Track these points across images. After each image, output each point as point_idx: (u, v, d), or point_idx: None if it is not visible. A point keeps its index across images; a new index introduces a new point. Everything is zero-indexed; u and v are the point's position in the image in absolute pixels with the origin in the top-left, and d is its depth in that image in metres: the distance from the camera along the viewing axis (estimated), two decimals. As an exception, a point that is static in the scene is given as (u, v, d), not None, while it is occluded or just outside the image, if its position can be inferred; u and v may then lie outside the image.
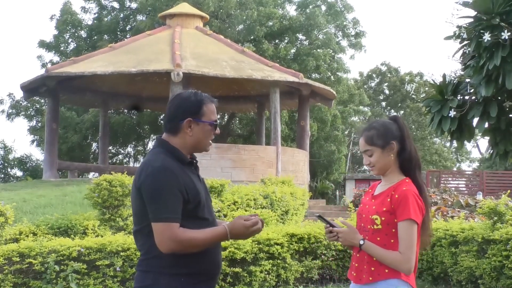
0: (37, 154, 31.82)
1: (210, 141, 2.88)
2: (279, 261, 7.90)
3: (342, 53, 25.86)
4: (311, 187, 21.79)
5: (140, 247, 2.78)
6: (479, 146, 36.70)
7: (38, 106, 26.06)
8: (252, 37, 23.58)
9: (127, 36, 24.57)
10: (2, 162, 26.09)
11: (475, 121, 4.41)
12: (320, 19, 23.76)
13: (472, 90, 4.35)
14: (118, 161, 27.70)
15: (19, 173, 26.27)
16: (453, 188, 19.43)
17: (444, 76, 4.54)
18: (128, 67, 14.90)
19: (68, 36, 26.42)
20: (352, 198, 15.67)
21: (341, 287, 8.12)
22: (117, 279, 7.04)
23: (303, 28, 24.34)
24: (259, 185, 11.89)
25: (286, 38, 24.99)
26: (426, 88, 31.32)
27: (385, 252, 2.91)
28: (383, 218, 2.94)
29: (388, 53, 66.11)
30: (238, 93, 19.68)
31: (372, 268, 2.94)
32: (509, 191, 9.98)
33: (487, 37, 3.86)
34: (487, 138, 4.57)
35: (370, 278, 2.94)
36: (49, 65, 22.99)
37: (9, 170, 26.35)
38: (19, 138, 52.06)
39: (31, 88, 16.58)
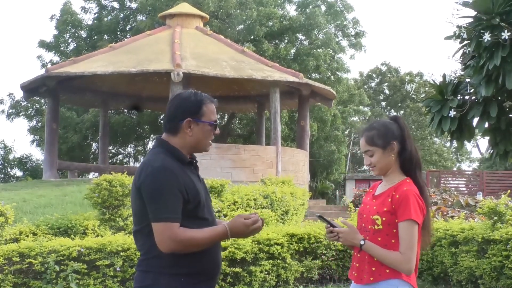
0: (37, 154, 31.84)
1: (210, 141, 2.88)
2: (279, 261, 7.90)
3: (342, 53, 25.87)
4: (311, 187, 21.79)
5: (140, 247, 2.78)
6: (479, 146, 36.74)
7: (38, 106, 26.07)
8: (252, 37, 23.58)
9: (127, 36, 24.57)
10: (2, 162, 26.09)
11: (475, 121, 4.40)
12: (320, 19, 23.76)
13: (472, 90, 4.35)
14: (118, 161, 27.70)
15: (19, 173, 26.29)
16: (453, 188, 19.43)
17: (444, 76, 4.54)
18: (128, 67, 14.90)
19: (68, 36, 26.43)
20: (352, 198, 15.67)
21: (341, 287, 8.12)
22: (117, 279, 7.04)
23: (303, 28, 24.34)
24: (259, 185, 11.89)
25: (286, 38, 25.00)
26: (426, 88, 31.33)
27: (386, 252, 2.91)
28: (384, 218, 2.93)
29: (388, 53, 66.17)
30: (238, 93, 19.68)
31: (373, 268, 2.94)
32: (509, 191, 9.98)
33: (487, 37, 3.85)
34: (487, 138, 4.57)
35: (371, 278, 2.94)
36: (49, 65, 22.99)
37: (9, 170, 26.36)
38: (19, 138, 52.07)
39: (31, 88, 16.59)
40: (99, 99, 19.54)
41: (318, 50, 24.08)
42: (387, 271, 2.91)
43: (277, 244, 7.93)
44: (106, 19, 26.22)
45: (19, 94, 27.54)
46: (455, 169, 34.95)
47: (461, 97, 4.44)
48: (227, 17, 23.93)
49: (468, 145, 37.29)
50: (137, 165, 25.94)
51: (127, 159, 28.58)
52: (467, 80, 4.40)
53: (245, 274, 7.57)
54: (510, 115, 4.37)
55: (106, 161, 20.22)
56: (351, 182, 20.65)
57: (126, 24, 26.56)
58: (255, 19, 22.76)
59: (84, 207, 10.31)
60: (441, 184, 19.95)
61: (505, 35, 3.80)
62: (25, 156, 26.39)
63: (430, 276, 8.47)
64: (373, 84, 37.46)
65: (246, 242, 7.66)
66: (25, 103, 25.66)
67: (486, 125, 4.37)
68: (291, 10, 26.56)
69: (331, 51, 24.61)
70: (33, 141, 26.56)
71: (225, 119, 25.35)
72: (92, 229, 8.19)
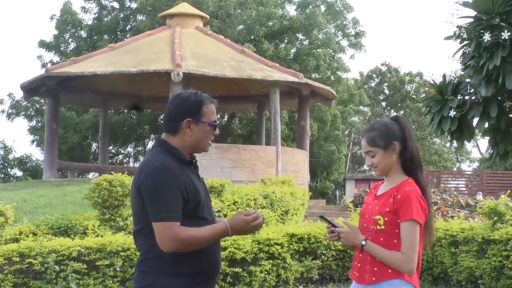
0: (37, 154, 31.83)
1: (210, 142, 2.88)
2: (279, 261, 7.90)
3: (342, 53, 25.87)
4: (311, 187, 21.79)
5: (140, 247, 2.78)
6: (479, 146, 36.74)
7: (38, 106, 26.07)
8: (252, 37, 23.57)
9: (127, 36, 24.57)
10: (2, 162, 26.09)
11: (475, 121, 4.40)
12: (320, 19, 23.75)
13: (472, 90, 4.35)
14: (118, 161, 27.70)
15: (19, 173, 26.29)
16: (453, 188, 19.43)
17: (444, 76, 4.54)
18: (128, 67, 14.90)
19: (68, 36, 26.43)
20: (352, 198, 15.66)
21: (341, 287, 8.12)
22: (117, 279, 7.04)
23: (303, 28, 24.33)
24: (259, 185, 11.89)
25: (286, 38, 24.99)
26: (426, 88, 31.33)
27: (387, 252, 2.91)
28: (386, 219, 2.93)
29: (388, 53, 66.17)
30: (238, 93, 19.68)
31: (375, 269, 2.94)
32: (509, 191, 9.98)
33: (487, 37, 3.85)
34: (487, 138, 4.57)
35: (373, 279, 2.94)
36: (49, 65, 22.99)
37: (9, 170, 26.35)
38: (19, 138, 52.09)
39: (31, 88, 16.58)
40: (99, 99, 19.54)
41: (318, 50, 24.07)
42: (389, 271, 2.91)
43: (277, 244, 7.93)
44: (106, 19, 26.22)
45: (19, 94, 27.58)
46: (455, 169, 34.95)
47: (461, 97, 4.44)
48: (227, 17, 23.93)
49: (468, 145, 37.31)
50: (137, 165, 25.92)
51: (127, 159, 28.58)
52: (467, 80, 4.39)
53: (245, 274, 7.57)
54: (510, 115, 4.37)
55: (106, 161, 20.22)
56: (351, 182, 20.63)
57: (126, 24, 26.56)
58: (255, 19, 22.76)
59: (84, 207, 10.31)
60: (441, 184, 19.95)
61: (505, 35, 3.80)
62: (25, 156, 26.40)
63: (430, 276, 8.48)
64: (373, 84, 37.47)
65: (246, 242, 7.66)
66: (25, 103, 25.67)
67: (486, 125, 4.37)
68: (291, 10, 26.60)
69: (331, 51, 24.61)
70: (33, 141, 26.57)
71: (225, 119, 25.35)
72: (92, 229, 8.19)
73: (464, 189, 22.38)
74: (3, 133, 56.32)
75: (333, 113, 23.85)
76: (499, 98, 4.28)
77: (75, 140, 23.98)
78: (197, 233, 2.67)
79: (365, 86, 35.83)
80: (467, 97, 4.42)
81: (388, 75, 36.72)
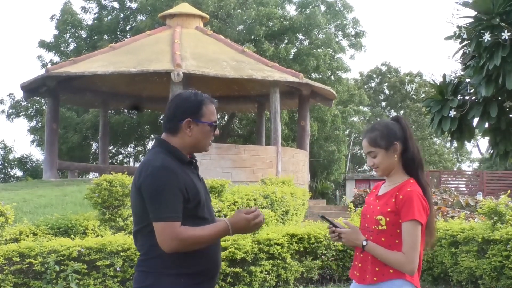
0: (37, 154, 31.84)
1: (210, 142, 2.87)
2: (279, 261, 7.90)
3: (342, 53, 25.87)
4: (311, 187, 21.79)
5: (140, 248, 2.78)
6: (479, 146, 36.74)
7: (38, 106, 26.07)
8: (252, 37, 23.57)
9: (127, 36, 24.58)
10: (2, 162, 26.09)
11: (475, 121, 4.40)
12: (320, 19, 23.76)
13: (472, 90, 4.34)
14: (118, 161, 27.70)
15: (19, 173, 26.28)
16: (453, 188, 19.44)
17: (444, 76, 4.54)
18: (128, 67, 14.90)
19: (68, 36, 26.43)
20: (352, 198, 15.67)
21: (342, 287, 8.12)
22: (117, 279, 7.04)
23: (303, 28, 24.34)
24: (259, 185, 11.89)
25: (286, 38, 24.99)
26: (426, 88, 31.33)
27: (389, 252, 2.91)
28: (388, 219, 2.93)
29: (388, 53, 66.18)
30: (238, 93, 19.68)
31: (377, 269, 2.94)
32: (509, 191, 9.98)
33: (487, 37, 3.85)
34: (487, 138, 4.57)
35: (375, 279, 2.94)
36: (49, 65, 22.99)
37: (9, 170, 26.35)
38: (19, 138, 52.07)
39: (31, 88, 16.58)
40: (99, 99, 19.54)
41: (318, 50, 24.07)
42: (391, 271, 2.91)
43: (277, 244, 7.93)
44: (106, 19, 26.22)
45: (19, 94, 27.58)
46: (455, 169, 34.96)
47: (461, 97, 4.44)
48: (227, 17, 23.94)
49: (468, 145, 37.32)
50: (137, 165, 25.93)
51: (127, 159, 28.59)
52: (467, 80, 4.39)
53: (245, 274, 7.57)
54: (510, 115, 4.37)
55: (106, 161, 20.22)
56: (351, 182, 20.64)
57: (126, 24, 26.57)
58: (255, 19, 22.76)
59: (84, 207, 10.31)
60: (441, 184, 19.95)
61: (505, 35, 3.80)
62: (25, 156, 26.40)
63: (430, 276, 8.48)
64: (373, 84, 37.48)
65: (246, 243, 7.67)
66: (25, 103, 25.67)
67: (486, 125, 4.37)
68: (291, 10, 26.60)
69: (331, 51, 24.62)
70: (33, 141, 26.57)
71: (225, 119, 25.35)
72: (92, 229, 8.19)
73: (464, 189, 22.40)
74: (3, 133, 56.36)
75: (333, 113, 23.85)
76: (499, 98, 4.28)
77: (75, 140, 23.98)
78: (198, 232, 2.66)
79: (365, 86, 35.85)
80: (467, 97, 4.42)
81: (388, 75, 36.73)
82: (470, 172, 28.49)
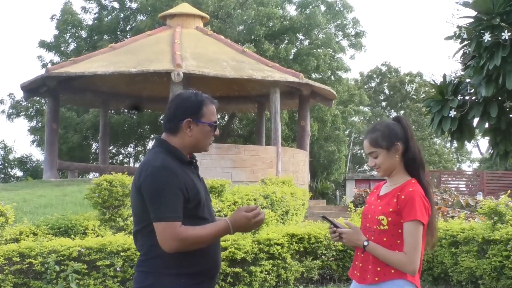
0: (37, 154, 31.86)
1: (210, 142, 2.87)
2: (279, 261, 7.90)
3: (342, 53, 25.88)
4: (311, 187, 21.79)
5: (140, 248, 2.78)
6: (480, 147, 36.74)
7: (38, 106, 26.07)
8: (252, 37, 23.58)
9: (128, 36, 24.58)
10: (3, 162, 26.09)
11: (476, 121, 4.40)
12: (320, 19, 23.76)
13: (472, 90, 4.34)
14: (118, 161, 27.71)
15: (19, 173, 26.29)
16: (453, 189, 19.43)
17: (444, 76, 4.54)
18: (129, 67, 14.90)
19: (68, 36, 26.44)
20: (352, 198, 15.67)
21: (342, 287, 8.12)
22: (117, 279, 7.04)
23: (303, 28, 24.34)
24: (260, 185, 11.89)
25: (286, 38, 25.00)
26: (426, 88, 31.32)
27: (390, 253, 2.91)
28: (389, 219, 2.94)
29: (388, 53, 66.19)
30: (238, 93, 19.68)
31: (378, 269, 2.94)
32: (509, 191, 9.98)
33: (487, 37, 3.85)
34: (487, 138, 4.57)
35: (376, 278, 2.94)
36: (49, 65, 23.00)
37: (9, 170, 26.36)
38: (20, 138, 52.08)
39: (31, 88, 16.58)
40: (99, 99, 19.54)
41: (318, 50, 24.08)
42: (392, 271, 2.91)
43: (277, 244, 7.93)
44: (106, 19, 26.23)
45: (19, 94, 27.59)
46: (455, 169, 34.96)
47: (462, 97, 4.44)
48: (227, 17, 23.94)
49: (469, 146, 37.32)
50: (137, 165, 25.93)
51: (128, 159, 28.59)
52: (468, 80, 4.39)
53: (245, 274, 7.57)
54: (511, 115, 4.37)
55: (106, 161, 20.22)
56: (351, 182, 20.64)
57: (126, 24, 26.57)
58: (255, 19, 22.76)
59: (84, 207, 10.31)
60: (441, 185, 19.95)
61: (505, 35, 3.80)
62: (25, 156, 26.40)
63: (431, 276, 8.48)
64: (373, 84, 37.48)
65: (246, 243, 7.67)
66: (25, 103, 25.67)
67: (487, 125, 4.37)
68: (291, 10, 26.61)
69: (331, 51, 24.62)
70: (33, 141, 26.58)
71: (225, 119, 25.35)
72: (92, 229, 8.18)
73: (464, 189, 22.41)
74: (4, 133, 56.42)
75: (333, 113, 23.86)
76: (499, 98, 4.28)
77: (75, 140, 23.98)
78: (198, 231, 2.66)
79: (365, 86, 35.85)
80: (467, 97, 4.42)
81: (388, 75, 36.74)
82: (470, 172, 28.50)
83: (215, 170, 14.38)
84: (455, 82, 4.47)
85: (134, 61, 15.17)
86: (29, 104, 25.75)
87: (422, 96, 32.68)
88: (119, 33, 25.95)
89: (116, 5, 26.92)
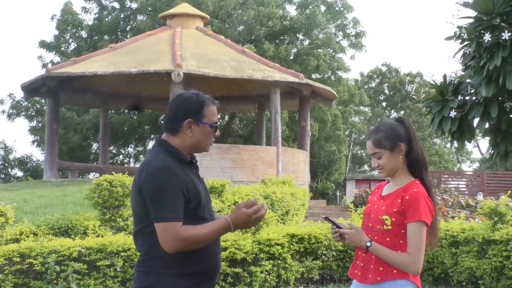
0: (38, 155, 31.88)
1: (211, 142, 2.87)
2: (279, 261, 7.90)
3: (343, 53, 25.88)
4: (312, 188, 21.78)
5: (140, 248, 2.78)
6: (480, 147, 36.73)
7: (38, 106, 26.08)
8: (252, 38, 23.58)
9: (128, 36, 24.58)
10: (3, 162, 26.10)
11: (476, 121, 4.41)
12: (320, 19, 23.76)
13: (472, 91, 4.35)
14: (118, 162, 27.71)
15: (19, 173, 26.30)
16: (453, 189, 19.43)
17: (444, 76, 4.54)
18: (129, 67, 14.90)
19: (68, 36, 26.44)
20: (352, 199, 15.67)
21: (342, 287, 8.13)
22: (117, 280, 7.04)
23: (304, 28, 24.34)
24: (260, 186, 11.89)
25: (287, 38, 25.00)
26: (427, 89, 31.32)
27: (393, 253, 2.91)
28: (393, 219, 2.94)
29: (388, 54, 66.18)
30: (238, 93, 19.69)
31: (381, 268, 2.94)
32: (509, 191, 9.98)
33: (487, 37, 3.85)
34: (487, 138, 4.58)
35: (378, 278, 2.94)
36: (49, 65, 22.99)
37: (9, 170, 26.36)
38: (20, 138, 52.14)
39: (31, 89, 16.59)
40: (100, 99, 19.54)
41: (318, 50, 24.08)
42: (395, 271, 2.92)
43: (278, 244, 7.93)
44: (106, 19, 26.24)
45: (19, 95, 27.60)
46: (455, 169, 34.96)
47: (462, 98, 4.44)
48: (227, 17, 23.94)
49: (469, 146, 37.31)
50: (137, 165, 25.87)
51: (128, 159, 28.59)
52: (468, 80, 4.40)
53: (246, 275, 7.57)
54: (511, 116, 4.37)
55: (107, 161, 20.22)
56: (352, 182, 20.62)
57: (127, 25, 26.57)
58: (255, 19, 22.76)
59: (84, 208, 10.31)
60: (442, 185, 19.95)
61: (506, 35, 3.80)
62: (25, 156, 26.41)
63: (431, 276, 8.48)
64: (373, 85, 37.48)
65: (247, 243, 7.67)
66: (25, 103, 25.68)
67: (487, 125, 4.37)
68: (291, 10, 26.61)
69: (331, 51, 24.62)
70: (33, 142, 26.59)
71: (226, 119, 25.35)
72: (92, 230, 8.19)
73: (464, 189, 22.41)
74: (4, 133, 56.41)
75: (333, 113, 23.86)
76: (500, 98, 4.29)
77: (76, 140, 23.99)
78: (199, 231, 2.66)
79: (365, 86, 35.85)
80: (467, 98, 4.42)
81: (388, 76, 36.74)
82: (470, 173, 28.50)
83: (215, 170, 14.38)
84: (455, 82, 4.47)
85: (135, 61, 15.18)
86: (29, 104, 25.76)
87: (422, 97, 32.67)
88: (119, 33, 25.96)
89: (116, 5, 26.94)
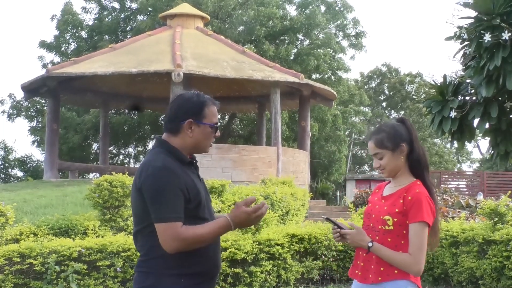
0: (38, 155, 31.88)
1: (211, 143, 2.87)
2: (279, 261, 7.90)
3: (343, 53, 25.88)
4: (312, 188, 21.78)
5: (140, 248, 2.78)
6: (480, 147, 36.73)
7: (38, 106, 26.08)
8: (252, 38, 23.58)
9: (128, 36, 24.59)
10: (3, 162, 26.10)
11: (476, 121, 4.41)
12: (320, 19, 23.77)
13: (472, 91, 4.35)
14: (118, 162, 27.71)
15: (19, 174, 26.29)
16: (453, 189, 19.42)
17: (444, 76, 4.54)
18: (129, 67, 14.90)
19: (68, 37, 26.45)
20: (352, 199, 15.66)
21: (342, 288, 8.12)
22: (117, 280, 7.04)
23: (304, 28, 24.34)
24: (260, 186, 11.89)
25: (287, 38, 25.00)
26: (427, 89, 31.33)
27: (395, 254, 2.91)
28: (395, 219, 2.94)
29: (388, 54, 66.16)
30: (238, 93, 19.69)
31: (382, 268, 2.94)
32: (509, 191, 9.98)
33: (487, 37, 3.86)
34: (487, 138, 4.58)
35: (379, 278, 2.94)
36: (49, 66, 22.98)
37: (9, 170, 26.36)
38: (20, 138, 52.12)
39: (31, 89, 16.59)
40: (100, 99, 19.55)
41: (318, 50, 24.08)
42: (396, 271, 2.92)
43: (278, 244, 7.93)
44: (106, 19, 26.24)
45: (19, 95, 27.58)
46: (455, 170, 34.96)
47: (462, 98, 4.44)
48: (227, 17, 23.94)
49: (469, 146, 37.31)
50: (137, 165, 25.93)
51: (128, 159, 28.59)
52: (468, 80, 4.40)
53: (246, 275, 7.57)
54: (511, 116, 4.37)
55: (107, 161, 20.23)
56: (352, 182, 20.60)
57: (127, 25, 26.58)
58: (255, 20, 22.76)
59: (84, 208, 10.31)
60: (442, 185, 19.94)
61: (506, 35, 3.80)
62: (25, 156, 26.41)
63: (431, 276, 8.47)
64: (373, 85, 37.48)
65: (247, 243, 7.67)
66: (25, 103, 25.68)
67: (487, 125, 4.38)
68: (291, 10, 26.61)
69: (332, 51, 24.62)
70: (33, 142, 26.59)
71: (226, 120, 25.35)
72: (92, 230, 8.19)
73: (464, 189, 22.40)
74: (4, 133, 56.36)
75: (333, 114, 23.86)
76: (500, 98, 4.29)
77: (76, 140, 23.99)
78: (199, 231, 2.66)
79: (365, 86, 35.85)
80: (467, 98, 4.43)
81: (389, 76, 36.74)
82: (470, 173, 28.49)
83: (215, 170, 14.39)
84: (455, 82, 4.47)
85: (135, 62, 15.18)
86: (29, 105, 25.76)
87: (422, 97, 32.68)
88: (119, 33, 25.96)
89: (116, 5, 26.94)
